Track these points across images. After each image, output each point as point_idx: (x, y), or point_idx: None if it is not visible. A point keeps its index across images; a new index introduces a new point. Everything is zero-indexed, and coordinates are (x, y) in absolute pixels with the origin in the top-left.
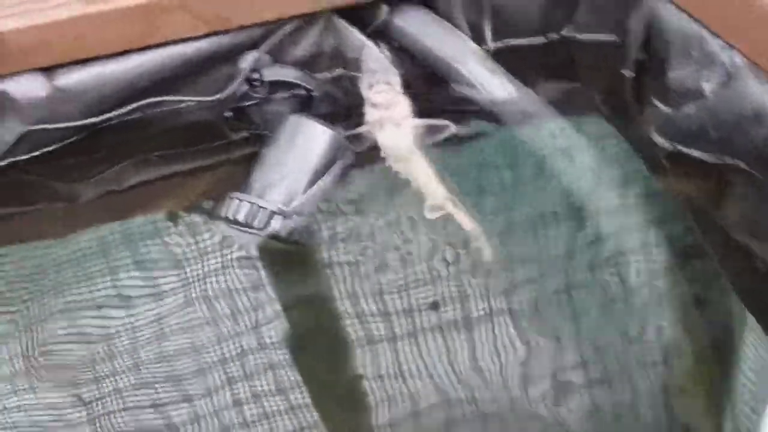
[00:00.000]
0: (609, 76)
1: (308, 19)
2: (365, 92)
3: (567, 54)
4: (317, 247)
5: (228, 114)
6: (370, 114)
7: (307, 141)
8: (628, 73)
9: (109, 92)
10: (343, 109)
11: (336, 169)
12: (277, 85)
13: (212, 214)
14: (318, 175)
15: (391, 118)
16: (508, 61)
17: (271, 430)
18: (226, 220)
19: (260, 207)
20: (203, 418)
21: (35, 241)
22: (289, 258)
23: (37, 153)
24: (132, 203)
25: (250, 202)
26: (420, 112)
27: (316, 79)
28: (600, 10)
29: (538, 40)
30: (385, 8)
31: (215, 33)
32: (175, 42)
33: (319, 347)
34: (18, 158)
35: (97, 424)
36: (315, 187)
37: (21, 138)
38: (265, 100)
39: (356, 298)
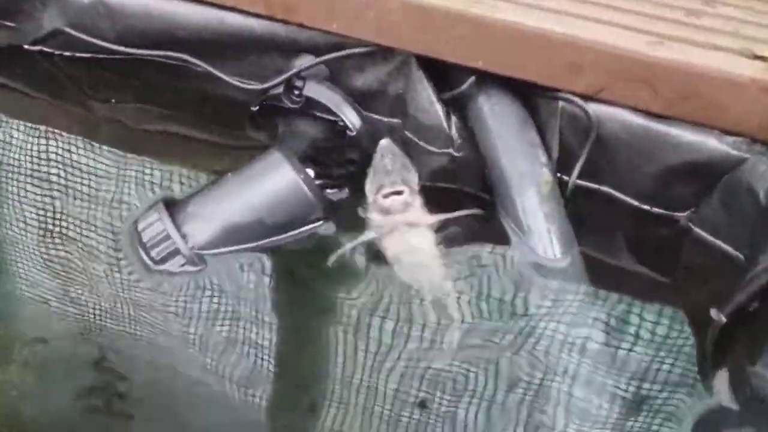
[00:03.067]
0: (705, 298)
1: (384, 52)
2: (371, 195)
3: (672, 239)
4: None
5: (255, 108)
6: (376, 220)
7: (273, 189)
8: (717, 316)
9: (150, 29)
10: None
11: (290, 238)
12: (316, 105)
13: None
14: (264, 233)
15: (405, 221)
16: (590, 208)
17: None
18: (134, 228)
19: (169, 237)
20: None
21: (58, 130)
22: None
23: (68, 53)
24: (138, 142)
25: (163, 226)
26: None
27: (364, 118)
28: (736, 215)
29: (644, 206)
30: (472, 79)
31: (274, 19)
32: (229, 9)
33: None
34: (51, 50)
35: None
36: (253, 245)
37: (54, 33)
38: (297, 113)
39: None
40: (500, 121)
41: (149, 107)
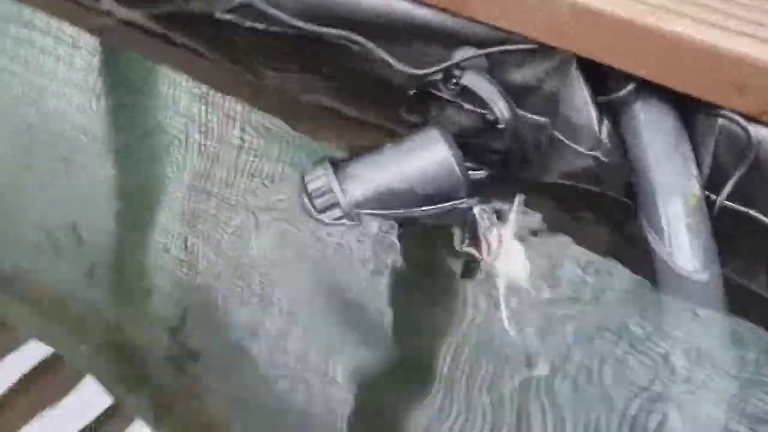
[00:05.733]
0: None
1: (544, 50)
2: (488, 257)
3: None
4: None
5: (412, 92)
6: (501, 264)
7: (427, 163)
8: None
9: (328, 8)
10: (522, 160)
11: (435, 210)
12: (470, 95)
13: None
14: (412, 202)
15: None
16: (736, 231)
17: None
18: (302, 179)
19: (330, 191)
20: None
21: (228, 94)
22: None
23: (249, 24)
24: (298, 113)
25: (327, 179)
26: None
27: (516, 114)
28: None
29: None
30: (631, 86)
31: (448, 11)
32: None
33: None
34: (236, 21)
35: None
36: (400, 210)
37: (244, 4)
38: (449, 102)
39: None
40: (654, 130)
41: (313, 81)
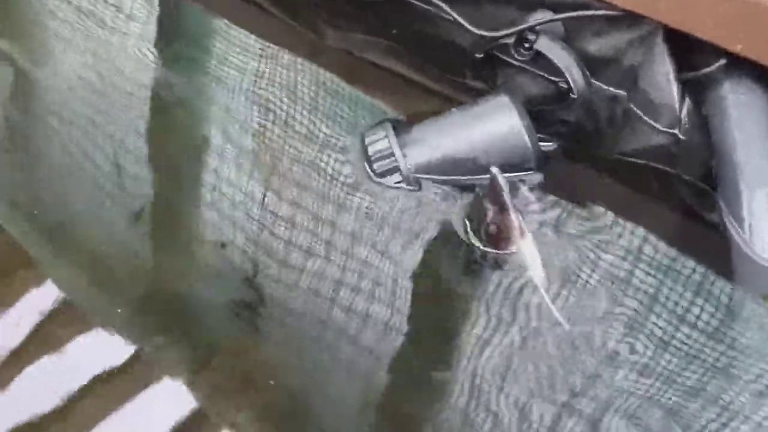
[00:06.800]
0: None
1: (630, 19)
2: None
3: None
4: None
5: (479, 56)
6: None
7: (495, 131)
8: None
9: None
10: (594, 133)
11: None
12: (543, 61)
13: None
14: (476, 171)
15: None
16: None
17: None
18: (362, 140)
19: (391, 155)
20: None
21: (288, 51)
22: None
23: None
24: (358, 74)
25: (388, 144)
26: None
27: (590, 85)
28: None
29: None
30: (722, 62)
31: None
32: None
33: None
34: None
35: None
36: (463, 178)
37: None
38: (519, 68)
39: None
40: (744, 111)
41: (376, 42)
